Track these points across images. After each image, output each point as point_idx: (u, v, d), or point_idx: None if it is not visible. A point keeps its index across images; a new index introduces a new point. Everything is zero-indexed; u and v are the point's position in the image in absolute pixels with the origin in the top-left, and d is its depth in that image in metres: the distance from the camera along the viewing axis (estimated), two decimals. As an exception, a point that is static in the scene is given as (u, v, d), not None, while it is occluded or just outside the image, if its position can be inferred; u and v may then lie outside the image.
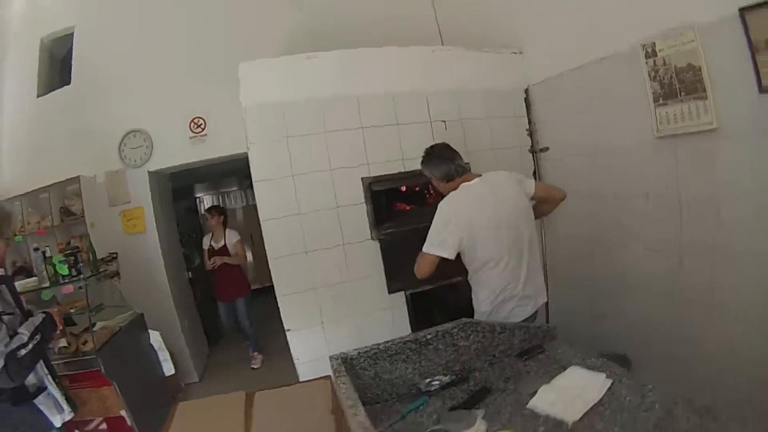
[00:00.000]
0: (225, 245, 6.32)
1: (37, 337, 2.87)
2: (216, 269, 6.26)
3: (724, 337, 3.09)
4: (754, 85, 2.67)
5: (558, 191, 3.26)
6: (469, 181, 3.04)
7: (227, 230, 6.46)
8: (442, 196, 3.07)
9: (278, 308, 3.73)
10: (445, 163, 3.06)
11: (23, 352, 2.74)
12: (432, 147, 3.19)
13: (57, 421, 3.00)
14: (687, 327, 3.34)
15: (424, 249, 2.96)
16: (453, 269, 3.37)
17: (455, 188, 3.03)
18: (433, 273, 3.00)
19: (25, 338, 2.79)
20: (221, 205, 10.69)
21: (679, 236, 3.31)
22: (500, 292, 2.98)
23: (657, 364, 3.45)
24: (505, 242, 2.93)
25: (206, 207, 10.51)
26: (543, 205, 3.29)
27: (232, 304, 6.51)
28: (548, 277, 4.48)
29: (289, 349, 3.76)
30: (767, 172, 2.74)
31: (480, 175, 3.08)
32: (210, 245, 6.37)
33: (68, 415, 3.08)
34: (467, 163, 3.22)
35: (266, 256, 3.71)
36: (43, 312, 3.11)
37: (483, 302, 3.04)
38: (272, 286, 3.70)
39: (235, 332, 7.06)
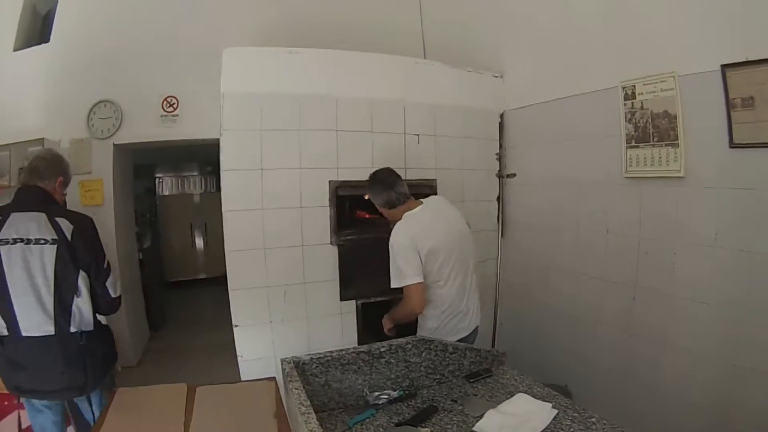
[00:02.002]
0: None
1: None
2: None
3: (671, 379, 3.16)
4: (726, 139, 2.74)
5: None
6: (412, 209, 3.14)
7: None
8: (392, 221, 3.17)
9: (227, 301, 3.65)
10: (386, 191, 3.16)
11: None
12: (375, 173, 3.28)
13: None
14: (633, 365, 3.41)
15: (405, 282, 2.96)
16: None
17: (399, 216, 3.13)
18: (424, 299, 3.02)
19: None
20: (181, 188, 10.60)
21: (634, 276, 3.38)
22: (447, 309, 3.08)
23: (598, 398, 3.50)
24: (452, 263, 3.06)
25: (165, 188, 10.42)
26: None
27: None
28: (499, 302, 4.55)
29: (232, 345, 3.68)
30: (727, 225, 2.81)
31: (421, 202, 3.20)
32: None
33: None
34: (408, 193, 3.28)
35: (218, 246, 3.64)
36: None
37: (430, 319, 3.10)
38: (218, 277, 3.63)
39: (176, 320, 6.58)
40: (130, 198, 6.49)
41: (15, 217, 2.66)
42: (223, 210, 3.57)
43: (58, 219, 2.71)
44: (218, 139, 3.58)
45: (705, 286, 2.94)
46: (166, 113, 5.47)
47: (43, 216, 2.70)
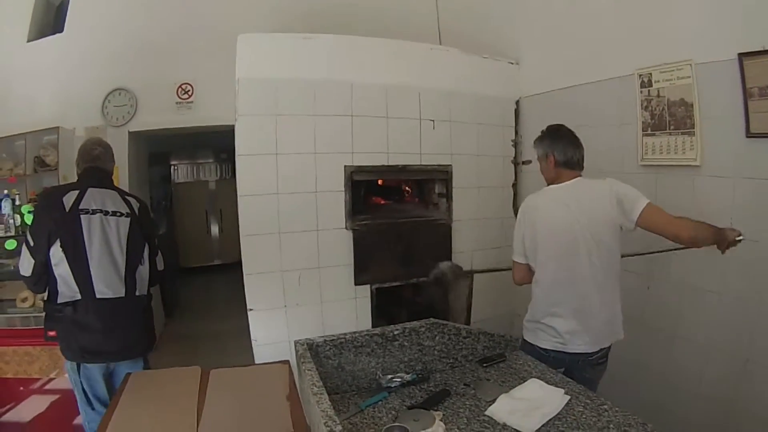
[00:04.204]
0: None
1: None
2: None
3: (683, 370, 3.16)
4: (742, 129, 2.74)
5: (679, 227, 2.49)
6: (562, 182, 2.75)
7: None
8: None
9: (241, 287, 3.68)
10: (572, 149, 2.75)
11: None
12: (560, 126, 2.88)
13: None
14: (647, 355, 3.40)
15: (512, 256, 2.90)
16: (418, 270, 3.31)
17: (554, 179, 2.79)
18: (526, 280, 2.88)
19: None
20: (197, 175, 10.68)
21: (649, 265, 3.36)
22: (542, 304, 2.74)
23: (611, 387, 3.49)
24: (559, 259, 2.67)
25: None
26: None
27: None
28: (515, 289, 4.53)
29: (247, 331, 3.72)
30: (742, 215, 2.79)
31: (578, 177, 2.76)
32: None
33: None
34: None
35: (233, 232, 3.66)
36: None
37: (529, 311, 2.83)
38: (233, 263, 3.66)
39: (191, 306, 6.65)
40: (146, 185, 6.54)
41: (92, 192, 3.00)
42: (238, 194, 3.59)
43: (128, 197, 3.18)
44: (233, 126, 3.59)
45: (719, 276, 2.94)
46: (181, 100, 5.50)
47: (115, 193, 3.13)
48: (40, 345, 3.81)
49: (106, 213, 2.99)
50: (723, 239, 2.40)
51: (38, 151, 5.25)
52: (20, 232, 4.14)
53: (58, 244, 2.82)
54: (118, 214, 3.04)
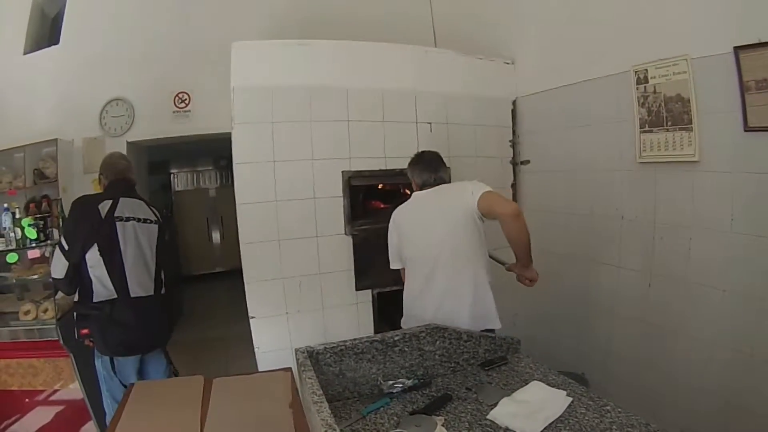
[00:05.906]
0: None
1: None
2: None
3: (686, 367, 3.14)
4: (740, 123, 2.72)
5: (501, 205, 2.76)
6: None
7: None
8: None
9: (243, 294, 3.68)
10: (427, 174, 3.10)
11: None
12: (422, 153, 3.22)
13: None
14: (649, 352, 3.38)
15: (390, 265, 3.22)
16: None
17: None
18: None
19: None
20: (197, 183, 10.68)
21: (649, 263, 3.36)
22: (411, 296, 3.06)
23: (615, 385, 3.49)
24: (421, 255, 2.99)
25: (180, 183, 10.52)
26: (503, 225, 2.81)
27: None
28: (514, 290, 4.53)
29: (249, 337, 3.72)
30: (743, 210, 2.79)
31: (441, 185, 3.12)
32: None
33: None
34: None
35: (235, 239, 3.68)
36: None
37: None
38: (235, 270, 3.71)
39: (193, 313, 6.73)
40: (145, 194, 6.50)
41: (124, 201, 3.32)
42: (236, 203, 3.60)
43: (152, 207, 3.52)
44: (231, 133, 3.60)
45: (721, 272, 2.92)
46: (178, 109, 5.51)
47: (143, 203, 3.47)
48: (44, 357, 3.83)
49: (139, 220, 3.34)
50: (530, 267, 3.05)
51: (37, 163, 5.25)
52: (21, 246, 4.14)
53: (95, 248, 3.10)
54: (149, 221, 3.41)
